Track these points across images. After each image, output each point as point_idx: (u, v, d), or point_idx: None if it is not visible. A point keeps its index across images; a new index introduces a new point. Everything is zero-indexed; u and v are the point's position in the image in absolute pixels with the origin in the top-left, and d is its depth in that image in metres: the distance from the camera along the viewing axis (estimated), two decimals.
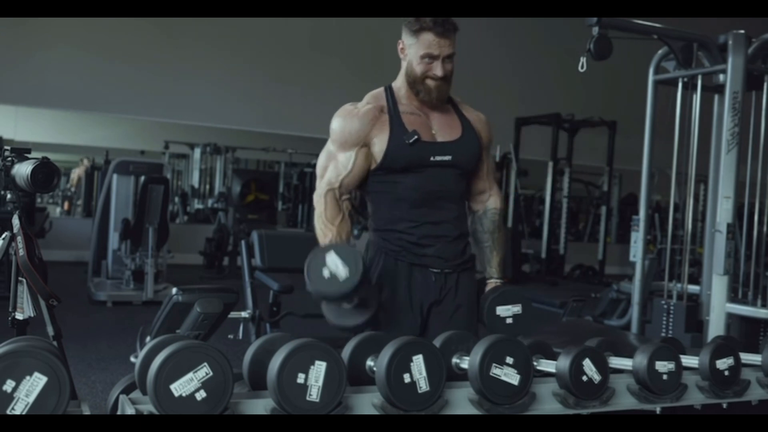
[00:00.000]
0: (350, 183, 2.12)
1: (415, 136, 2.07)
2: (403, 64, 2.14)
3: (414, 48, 2.08)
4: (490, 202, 2.28)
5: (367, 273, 2.01)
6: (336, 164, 2.11)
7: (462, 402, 1.62)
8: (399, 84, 2.17)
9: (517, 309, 2.12)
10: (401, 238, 2.12)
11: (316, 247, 2.00)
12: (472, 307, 2.20)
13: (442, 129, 2.15)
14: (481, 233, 2.27)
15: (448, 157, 2.11)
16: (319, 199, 2.12)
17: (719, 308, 4.00)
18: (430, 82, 2.10)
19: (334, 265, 1.90)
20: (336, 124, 2.12)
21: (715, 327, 3.99)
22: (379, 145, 2.08)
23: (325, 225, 2.09)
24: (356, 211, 2.21)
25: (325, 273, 1.89)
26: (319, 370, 1.46)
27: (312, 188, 11.08)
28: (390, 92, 2.16)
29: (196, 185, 11.80)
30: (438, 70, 2.07)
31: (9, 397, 1.29)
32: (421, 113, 2.14)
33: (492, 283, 2.24)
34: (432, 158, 2.10)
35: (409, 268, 2.13)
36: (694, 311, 4.29)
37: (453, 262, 2.16)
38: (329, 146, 2.14)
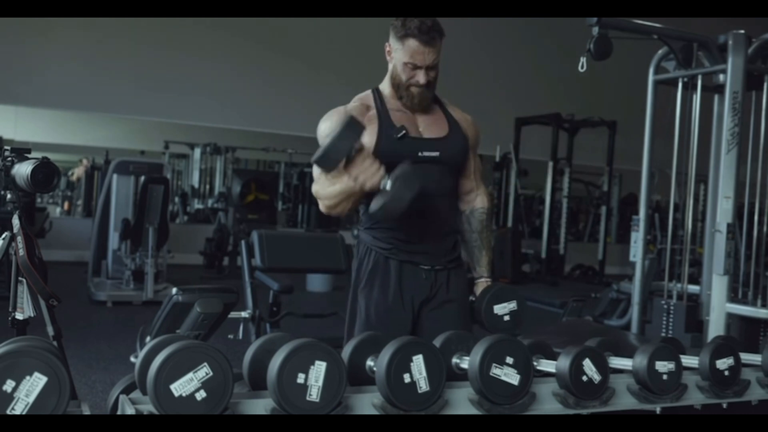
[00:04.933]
0: None
1: (403, 131, 2.09)
2: (390, 66, 2.16)
3: (399, 53, 2.10)
4: (477, 201, 2.28)
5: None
6: None
7: (462, 402, 1.62)
8: (385, 85, 2.20)
9: (512, 306, 2.14)
10: (391, 235, 2.14)
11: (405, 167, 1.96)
12: (464, 303, 2.21)
13: (429, 127, 2.17)
14: (469, 233, 2.26)
15: (435, 153, 2.13)
16: (315, 180, 2.06)
17: (719, 308, 4.00)
18: (413, 89, 2.12)
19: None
20: (324, 125, 2.11)
21: (715, 327, 3.99)
22: (369, 139, 2.07)
23: (327, 183, 2.01)
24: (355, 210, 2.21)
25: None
26: (319, 370, 1.46)
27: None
28: (377, 93, 2.19)
29: (196, 185, 11.80)
30: (421, 77, 2.09)
31: (9, 397, 1.29)
32: (408, 111, 2.16)
33: (482, 282, 2.24)
34: (420, 153, 2.11)
35: (400, 265, 2.14)
36: (694, 311, 4.29)
37: (443, 258, 2.17)
38: None
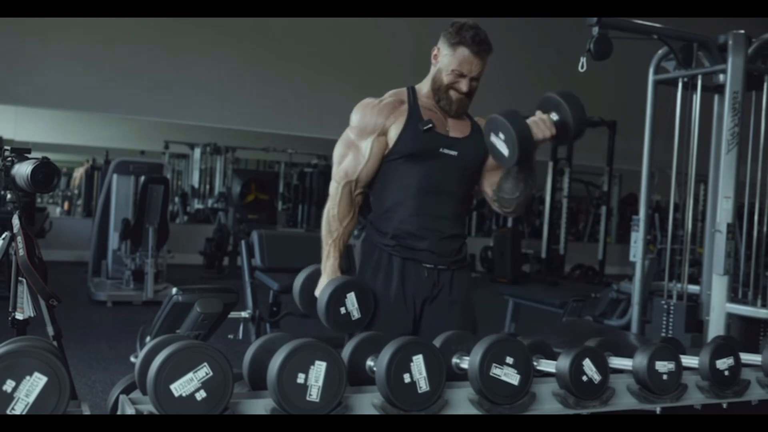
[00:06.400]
0: (368, 173, 2.17)
1: (430, 124, 2.14)
2: (433, 69, 2.21)
3: (448, 59, 2.15)
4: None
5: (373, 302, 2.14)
6: (356, 153, 2.16)
7: (462, 402, 1.62)
8: (423, 86, 2.25)
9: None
10: (397, 228, 2.16)
11: (339, 278, 2.11)
12: (467, 305, 2.23)
13: (455, 127, 2.22)
14: (509, 186, 2.19)
15: (454, 152, 2.17)
16: (336, 188, 2.17)
17: (719, 308, 3.99)
18: (453, 94, 2.17)
19: (351, 305, 2.08)
20: (356, 114, 2.19)
21: (715, 327, 3.98)
22: (395, 131, 2.15)
23: (334, 219, 2.16)
24: (360, 210, 2.23)
25: (342, 311, 2.07)
26: (319, 370, 1.46)
27: (312, 188, 11.20)
28: (412, 91, 2.24)
29: (196, 185, 11.80)
30: (464, 86, 2.16)
31: (9, 397, 1.29)
32: (438, 111, 2.21)
33: None
34: (441, 149, 2.16)
35: (403, 262, 2.16)
36: (694, 311, 4.29)
37: (447, 258, 2.19)
38: (348, 134, 2.20)
